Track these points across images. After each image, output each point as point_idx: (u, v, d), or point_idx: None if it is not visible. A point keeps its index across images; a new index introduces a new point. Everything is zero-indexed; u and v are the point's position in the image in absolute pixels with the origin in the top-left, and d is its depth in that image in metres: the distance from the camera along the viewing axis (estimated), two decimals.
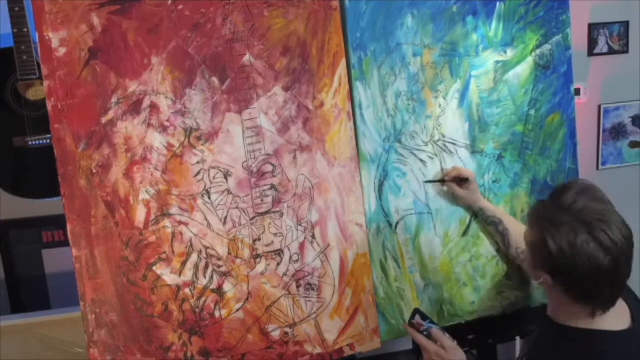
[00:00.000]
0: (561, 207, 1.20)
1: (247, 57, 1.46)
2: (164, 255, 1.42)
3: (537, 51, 1.72)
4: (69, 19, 1.33)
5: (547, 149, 1.75)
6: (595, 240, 1.15)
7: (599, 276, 1.15)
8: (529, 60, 1.72)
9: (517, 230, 1.62)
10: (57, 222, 2.32)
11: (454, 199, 1.66)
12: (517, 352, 2.36)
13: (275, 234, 1.51)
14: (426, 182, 1.64)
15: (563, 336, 1.24)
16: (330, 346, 1.56)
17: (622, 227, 1.18)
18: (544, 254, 1.19)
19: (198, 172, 1.44)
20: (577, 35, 2.53)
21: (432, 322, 1.43)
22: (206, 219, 1.45)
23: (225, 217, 1.46)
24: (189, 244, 1.44)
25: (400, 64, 1.60)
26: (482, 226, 1.69)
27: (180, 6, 1.40)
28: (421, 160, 1.64)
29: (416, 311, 1.44)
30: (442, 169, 1.65)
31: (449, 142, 1.66)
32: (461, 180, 1.62)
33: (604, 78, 2.71)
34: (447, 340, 1.38)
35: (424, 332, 1.41)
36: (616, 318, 1.22)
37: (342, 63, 1.54)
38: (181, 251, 1.43)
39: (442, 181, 1.64)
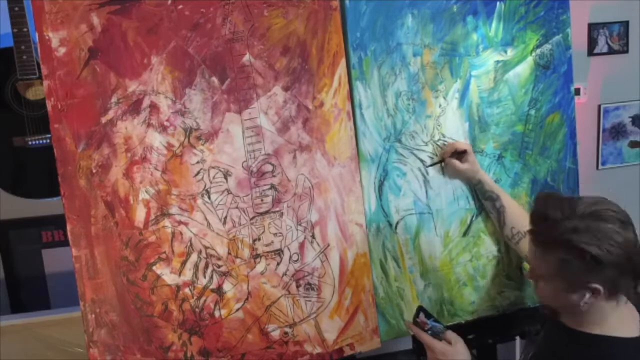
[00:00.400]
0: (557, 219, 1.17)
1: (247, 57, 1.46)
2: (164, 255, 1.42)
3: (538, 51, 1.72)
4: (69, 19, 1.33)
5: (548, 149, 1.75)
6: (614, 222, 1.14)
7: (633, 250, 1.14)
8: (530, 60, 1.72)
9: (514, 210, 1.62)
10: (57, 222, 2.32)
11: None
12: (517, 352, 2.36)
13: (275, 234, 1.51)
14: (428, 166, 1.63)
15: (574, 341, 1.22)
16: (330, 346, 1.56)
17: (610, 201, 1.19)
18: (587, 264, 1.14)
19: (198, 172, 1.44)
20: (577, 35, 2.53)
21: (436, 320, 1.41)
22: (206, 219, 1.44)
23: (225, 217, 1.46)
24: (189, 244, 1.43)
25: (401, 64, 1.60)
26: (480, 203, 1.68)
27: (180, 6, 1.40)
28: (421, 160, 1.63)
29: (420, 309, 1.42)
30: (437, 153, 1.65)
31: (449, 142, 1.66)
32: (459, 154, 1.62)
33: (604, 78, 2.71)
34: (450, 335, 1.38)
35: (429, 331, 1.40)
36: (628, 325, 1.21)
37: (342, 63, 1.54)
38: (181, 251, 1.43)
39: (442, 161, 1.63)
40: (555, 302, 1.25)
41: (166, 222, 1.41)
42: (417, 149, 1.63)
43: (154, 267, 1.41)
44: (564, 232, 1.15)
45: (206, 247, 1.45)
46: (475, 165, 1.64)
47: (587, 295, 1.17)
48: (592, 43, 2.66)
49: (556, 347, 1.27)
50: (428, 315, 1.41)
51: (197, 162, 1.44)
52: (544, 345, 1.32)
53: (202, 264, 1.45)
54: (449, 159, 1.63)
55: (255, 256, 1.49)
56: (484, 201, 1.67)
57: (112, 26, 1.36)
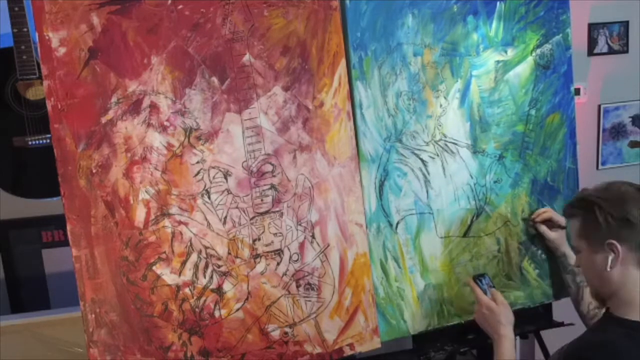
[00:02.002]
0: (583, 192, 1.37)
1: (247, 57, 1.46)
2: (164, 255, 1.42)
3: (538, 51, 1.72)
4: (69, 19, 1.33)
5: (548, 149, 1.75)
6: (630, 187, 1.27)
7: None
8: (530, 60, 1.72)
9: None
10: (57, 222, 2.32)
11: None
12: (518, 352, 2.36)
13: (275, 234, 1.50)
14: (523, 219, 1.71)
15: (612, 323, 1.28)
16: (330, 346, 1.56)
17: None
18: (604, 222, 1.26)
19: (198, 172, 1.44)
20: (577, 35, 2.53)
21: (493, 286, 1.56)
22: (206, 219, 1.44)
23: (225, 217, 1.46)
24: (189, 244, 1.43)
25: (401, 64, 1.60)
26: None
27: (180, 6, 1.40)
28: (422, 160, 1.64)
29: (485, 274, 1.58)
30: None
31: (450, 142, 1.66)
32: (548, 222, 1.67)
33: (604, 78, 2.71)
34: (500, 297, 1.49)
35: (483, 289, 1.54)
36: None
37: (342, 63, 1.54)
38: (181, 251, 1.43)
39: (533, 222, 1.70)
40: (590, 274, 1.34)
41: (166, 222, 1.41)
42: (418, 149, 1.63)
43: (154, 267, 1.41)
44: (586, 196, 1.32)
45: (206, 247, 1.45)
46: (563, 238, 1.68)
47: (610, 257, 1.25)
48: (592, 43, 2.66)
49: (593, 328, 1.35)
50: (488, 280, 1.57)
51: (197, 162, 1.43)
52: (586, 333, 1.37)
53: (202, 264, 1.44)
54: (539, 224, 1.68)
55: (255, 256, 1.49)
56: (564, 275, 1.69)
57: (112, 26, 1.36)
